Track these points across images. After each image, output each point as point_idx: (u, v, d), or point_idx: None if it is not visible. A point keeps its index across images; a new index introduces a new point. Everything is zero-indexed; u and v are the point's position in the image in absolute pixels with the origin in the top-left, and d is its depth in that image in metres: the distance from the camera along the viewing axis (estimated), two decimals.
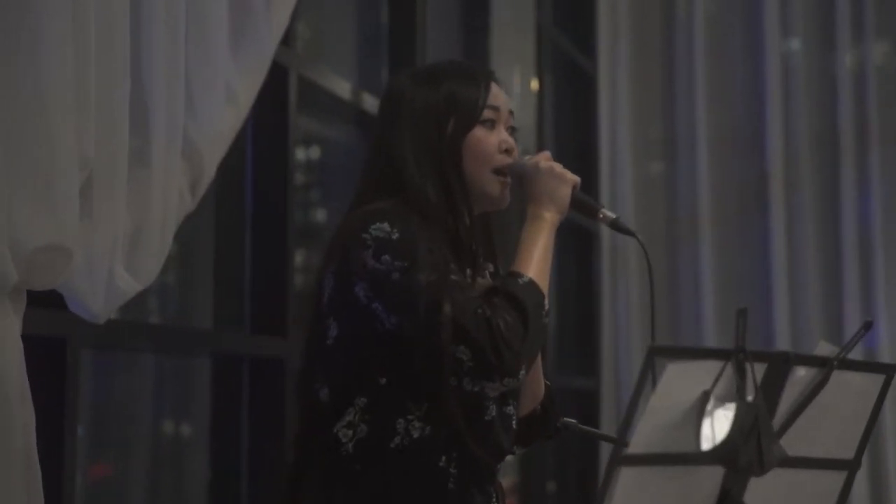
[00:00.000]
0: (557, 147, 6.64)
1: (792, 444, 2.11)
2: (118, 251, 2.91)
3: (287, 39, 3.90)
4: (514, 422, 2.43)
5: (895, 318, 6.75)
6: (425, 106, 2.42)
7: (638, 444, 2.00)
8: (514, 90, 6.33)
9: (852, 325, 6.57)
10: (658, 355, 2.02)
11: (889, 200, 6.82)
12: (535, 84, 6.26)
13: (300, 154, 4.83)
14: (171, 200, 3.11)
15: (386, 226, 2.29)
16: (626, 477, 2.01)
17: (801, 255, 6.78)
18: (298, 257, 4.23)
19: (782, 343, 6.38)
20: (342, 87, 4.54)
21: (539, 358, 2.51)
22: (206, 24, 3.26)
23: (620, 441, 2.00)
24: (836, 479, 2.22)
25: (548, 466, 6.33)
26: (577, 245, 6.83)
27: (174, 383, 4.21)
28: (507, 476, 4.67)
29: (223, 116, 3.32)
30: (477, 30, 5.65)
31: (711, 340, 6.52)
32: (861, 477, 6.56)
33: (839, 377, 2.14)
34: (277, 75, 3.86)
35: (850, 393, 2.18)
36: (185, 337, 4.01)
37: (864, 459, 2.26)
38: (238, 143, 3.75)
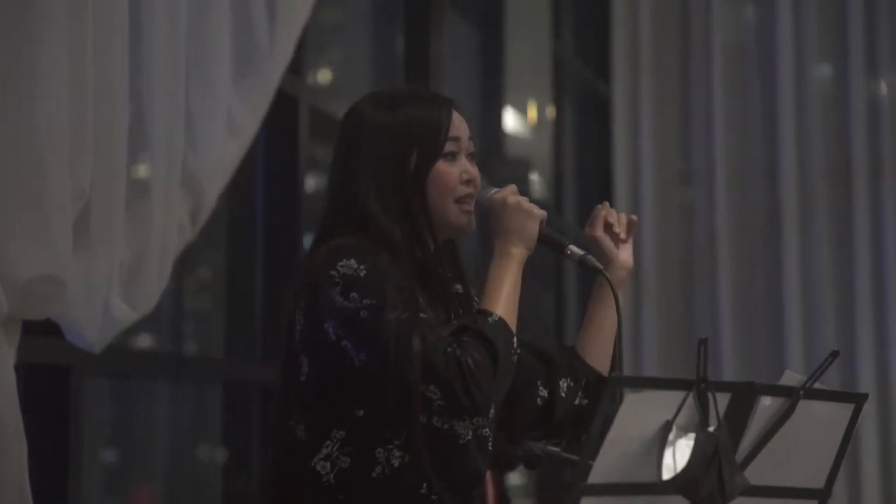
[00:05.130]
0: (575, 174, 6.66)
1: (761, 473, 2.11)
2: (115, 281, 2.94)
3: (297, 70, 3.93)
4: (489, 444, 2.42)
5: None
6: (387, 139, 2.39)
7: (599, 473, 2.00)
8: (531, 118, 6.35)
9: (866, 356, 6.54)
10: (620, 385, 2.02)
11: None
12: (551, 111, 6.27)
13: (321, 183, 4.85)
14: (171, 230, 3.14)
15: (353, 262, 2.28)
16: None
17: (815, 283, 6.78)
18: None
19: (795, 371, 6.31)
20: None
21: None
22: (208, 56, 3.29)
23: (580, 470, 2.00)
24: None
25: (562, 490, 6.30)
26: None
27: (188, 410, 4.24)
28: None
29: (225, 147, 3.35)
30: (493, 58, 5.68)
31: (729, 369, 6.53)
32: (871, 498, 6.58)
33: (807, 406, 2.13)
34: (287, 106, 3.90)
35: (819, 422, 2.17)
36: (195, 365, 4.04)
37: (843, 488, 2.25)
38: (248, 174, 3.79)
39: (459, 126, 2.45)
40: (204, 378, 4.09)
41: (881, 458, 6.62)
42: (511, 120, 5.86)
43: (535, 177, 5.99)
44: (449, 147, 2.41)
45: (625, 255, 2.55)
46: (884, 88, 6.90)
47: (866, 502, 6.54)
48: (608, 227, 2.55)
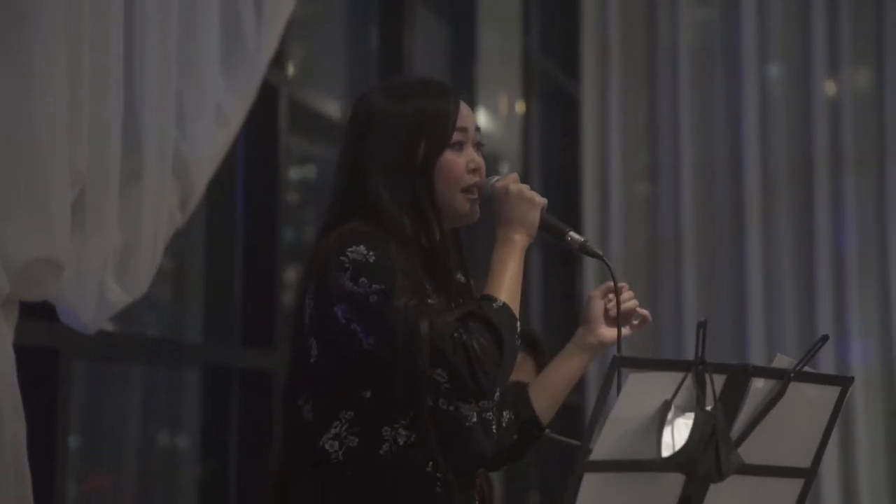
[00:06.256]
0: (542, 169, 6.77)
1: (752, 452, 2.19)
2: (109, 265, 2.99)
3: (278, 62, 3.99)
4: (493, 426, 2.48)
5: (868, 337, 6.90)
6: (396, 129, 2.44)
7: (601, 450, 2.08)
8: (501, 113, 6.45)
9: (826, 346, 6.62)
10: (622, 366, 2.10)
11: (862, 224, 6.95)
12: (520, 107, 6.37)
13: (296, 173, 4.91)
14: (162, 217, 3.19)
15: (362, 248, 2.33)
16: (590, 483, 2.08)
17: (777, 276, 6.94)
18: (292, 273, 4.29)
19: (757, 361, 6.48)
20: (332, 108, 4.64)
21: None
22: (198, 48, 3.34)
23: (584, 447, 2.07)
24: (794, 486, 2.29)
25: (531, 477, 6.40)
26: (561, 260, 6.94)
27: (165, 394, 4.28)
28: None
29: (213, 136, 3.40)
30: (464, 53, 5.76)
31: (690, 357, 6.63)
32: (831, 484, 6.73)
33: (796, 389, 2.21)
34: (268, 96, 3.95)
35: (807, 404, 2.25)
36: (176, 349, 4.09)
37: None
38: (229, 162, 3.84)
39: (467, 117, 2.49)
40: (187, 362, 4.13)
41: (841, 444, 6.78)
42: (481, 114, 5.95)
43: (504, 170, 6.08)
44: (456, 137, 2.46)
45: (608, 331, 2.62)
46: (844, 86, 7.02)
47: (825, 486, 6.71)
48: (607, 298, 2.62)
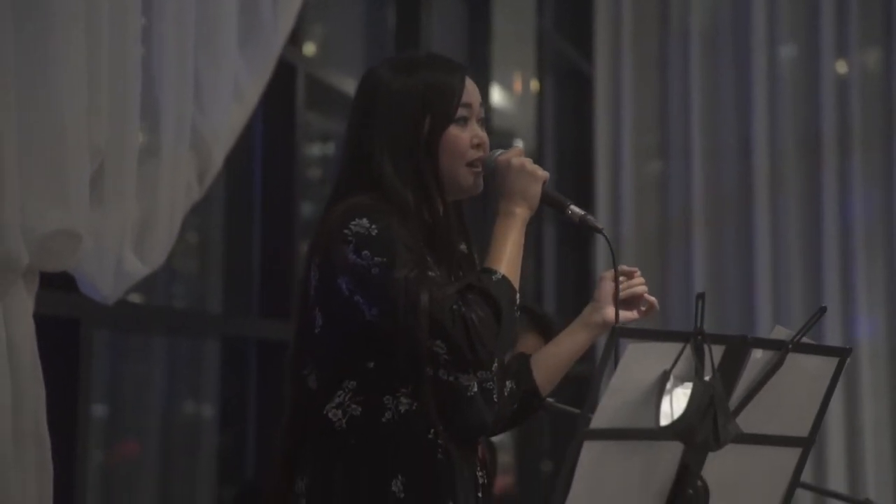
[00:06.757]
0: (556, 146, 6.82)
1: (750, 421, 2.22)
2: (127, 236, 3.04)
3: (295, 40, 4.03)
4: (494, 395, 2.52)
5: (874, 312, 6.96)
6: (402, 103, 2.48)
7: (601, 419, 2.10)
8: (515, 92, 6.49)
9: (832, 320, 6.76)
10: (621, 336, 2.13)
11: (869, 202, 7.01)
12: (534, 85, 6.41)
13: (316, 149, 4.96)
14: (179, 190, 3.25)
15: (365, 221, 2.37)
16: (590, 450, 2.11)
17: (785, 253, 7.00)
18: None
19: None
20: (351, 86, 4.68)
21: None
22: (216, 24, 3.39)
23: (584, 416, 2.11)
24: (792, 455, 2.33)
25: (543, 446, 6.44)
26: (575, 240, 6.99)
27: (187, 364, 4.33)
28: (503, 454, 4.81)
29: (230, 111, 3.45)
30: (480, 32, 5.79)
31: None
32: (837, 457, 6.78)
33: (795, 360, 2.24)
34: (285, 74, 4.00)
35: (806, 375, 2.28)
36: (196, 320, 4.14)
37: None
38: (247, 139, 3.89)
39: (472, 92, 2.52)
40: (206, 333, 4.19)
41: (847, 417, 6.83)
42: (496, 92, 6.00)
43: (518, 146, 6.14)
44: (461, 112, 2.49)
45: (611, 311, 2.63)
46: (853, 66, 7.05)
47: (830, 458, 6.76)
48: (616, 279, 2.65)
